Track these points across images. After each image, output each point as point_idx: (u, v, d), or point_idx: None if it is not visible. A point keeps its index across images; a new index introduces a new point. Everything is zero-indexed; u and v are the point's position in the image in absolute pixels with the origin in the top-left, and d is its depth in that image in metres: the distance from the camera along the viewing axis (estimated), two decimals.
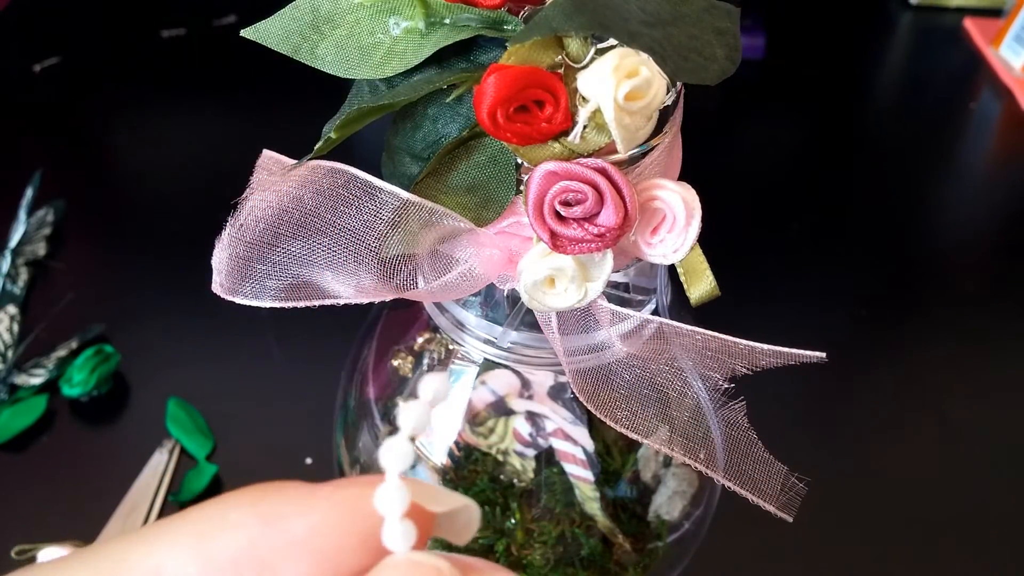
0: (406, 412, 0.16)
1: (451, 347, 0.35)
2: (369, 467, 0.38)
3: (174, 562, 0.16)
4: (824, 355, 0.25)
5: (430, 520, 0.17)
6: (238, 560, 0.16)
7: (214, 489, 0.47)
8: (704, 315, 0.30)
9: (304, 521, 0.16)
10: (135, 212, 0.62)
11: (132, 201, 0.63)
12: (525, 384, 0.34)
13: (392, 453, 0.16)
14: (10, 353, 0.51)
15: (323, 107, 0.27)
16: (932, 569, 0.45)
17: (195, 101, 0.70)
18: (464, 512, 0.18)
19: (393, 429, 0.37)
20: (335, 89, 0.30)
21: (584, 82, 0.23)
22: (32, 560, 0.42)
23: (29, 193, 0.59)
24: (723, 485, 0.29)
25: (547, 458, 0.36)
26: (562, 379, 0.33)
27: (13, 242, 0.57)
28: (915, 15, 0.86)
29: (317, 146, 0.25)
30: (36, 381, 0.50)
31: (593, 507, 0.36)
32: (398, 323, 0.38)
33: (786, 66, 0.73)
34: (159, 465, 0.47)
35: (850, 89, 0.73)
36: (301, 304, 0.27)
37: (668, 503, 0.37)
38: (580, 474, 0.35)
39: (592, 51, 0.24)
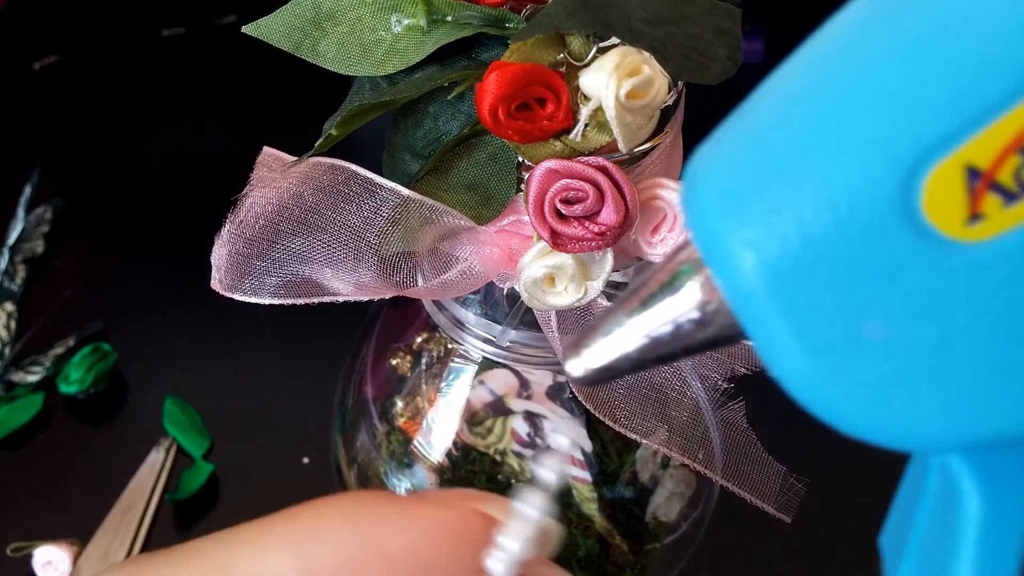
0: (546, 468, 0.17)
1: (450, 346, 0.35)
2: (367, 466, 0.38)
3: (275, 569, 0.16)
4: None
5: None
6: (336, 573, 0.16)
7: (211, 488, 0.47)
8: None
9: (401, 538, 0.17)
10: (133, 210, 0.62)
11: (130, 199, 0.63)
12: (524, 384, 0.34)
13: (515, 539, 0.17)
14: (7, 350, 0.51)
15: (323, 106, 0.27)
16: None
17: (195, 100, 0.70)
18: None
19: (392, 428, 0.37)
20: (335, 88, 0.30)
21: (586, 80, 0.23)
22: (28, 557, 0.42)
23: (28, 190, 0.59)
24: (721, 485, 0.29)
25: None
26: (561, 379, 0.33)
27: (11, 239, 0.57)
28: None
29: (318, 143, 0.25)
30: (33, 378, 0.50)
31: (591, 508, 0.36)
32: (397, 322, 0.38)
33: None
34: (156, 463, 0.47)
35: None
36: (300, 301, 0.27)
37: (666, 504, 0.37)
38: (578, 475, 0.35)
39: (594, 49, 0.24)
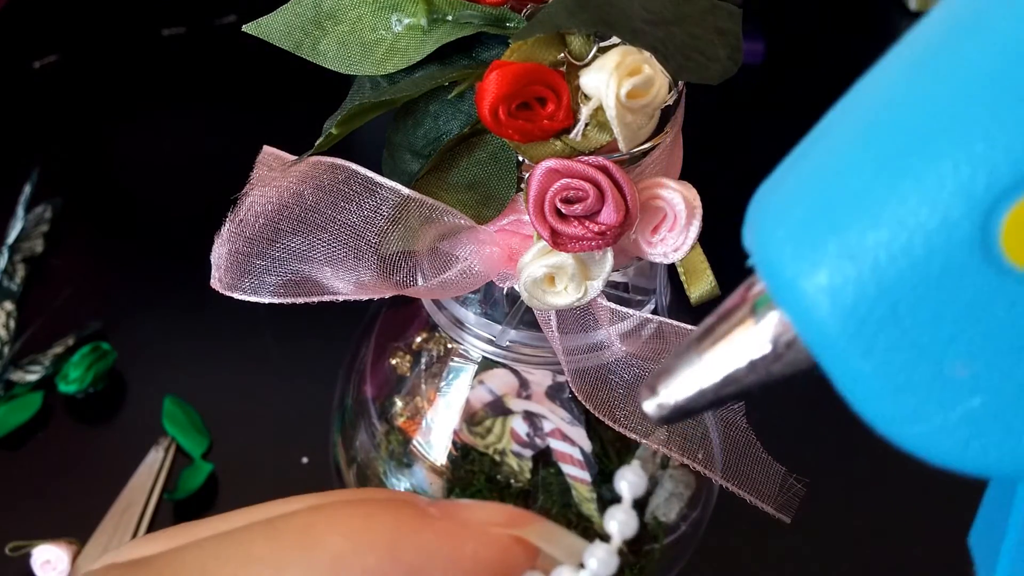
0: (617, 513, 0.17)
1: (449, 346, 0.35)
2: (366, 466, 0.38)
3: None
4: None
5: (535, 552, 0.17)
6: None
7: (210, 487, 0.47)
8: (705, 314, 0.30)
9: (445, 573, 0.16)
10: (133, 210, 0.62)
11: (130, 199, 0.63)
12: (523, 384, 0.34)
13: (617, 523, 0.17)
14: (6, 349, 0.51)
15: (323, 106, 0.27)
16: (934, 569, 0.45)
17: (195, 100, 0.70)
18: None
19: (391, 428, 0.37)
20: (336, 88, 0.30)
21: (586, 80, 0.23)
22: (26, 556, 0.42)
23: (27, 189, 0.59)
24: (721, 486, 0.29)
25: (544, 459, 0.36)
26: (560, 379, 0.33)
27: (10, 238, 0.57)
28: (915, 22, 0.86)
29: (318, 142, 0.25)
30: (32, 378, 0.50)
31: (590, 508, 0.36)
32: (396, 322, 0.38)
33: (785, 72, 0.73)
34: (155, 463, 0.47)
35: None
36: (300, 300, 0.27)
37: (665, 505, 0.37)
38: (577, 475, 0.35)
39: (594, 49, 0.24)
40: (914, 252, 0.13)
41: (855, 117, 0.14)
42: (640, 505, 0.37)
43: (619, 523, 0.17)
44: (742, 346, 0.15)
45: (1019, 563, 0.16)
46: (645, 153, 0.25)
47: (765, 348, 0.15)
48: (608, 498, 0.36)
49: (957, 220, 0.13)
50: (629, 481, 0.17)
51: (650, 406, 0.16)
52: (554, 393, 0.34)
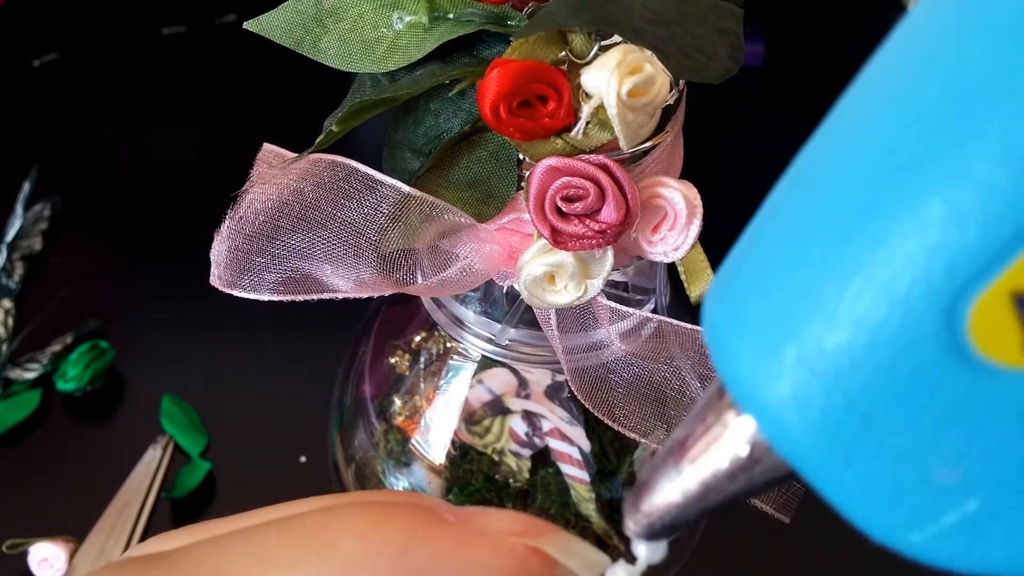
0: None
1: (449, 344, 0.35)
2: (364, 465, 0.38)
3: None
4: None
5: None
6: None
7: (208, 486, 0.46)
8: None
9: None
10: (132, 208, 0.62)
11: (129, 197, 0.63)
12: (522, 383, 0.34)
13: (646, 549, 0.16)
14: (4, 347, 0.51)
15: (324, 105, 0.27)
16: (934, 570, 0.45)
17: (195, 99, 0.70)
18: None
19: (390, 427, 0.37)
20: (336, 86, 0.30)
21: (587, 78, 0.23)
22: (24, 554, 0.42)
23: (26, 187, 0.59)
24: None
25: (543, 458, 0.35)
26: (560, 378, 0.33)
27: (9, 236, 0.57)
28: None
29: (319, 139, 0.25)
30: (30, 376, 0.50)
31: (588, 508, 0.36)
32: (395, 320, 0.38)
33: (785, 73, 0.73)
34: (152, 461, 0.47)
35: None
36: (300, 298, 0.27)
37: None
38: (576, 475, 0.35)
39: (595, 47, 0.24)
40: (878, 355, 0.12)
41: (800, 194, 0.13)
42: None
43: (648, 548, 0.16)
44: (718, 454, 0.14)
45: None
46: (646, 152, 0.25)
47: (742, 454, 0.14)
48: (607, 498, 0.36)
49: (919, 316, 0.11)
50: (648, 546, 0.16)
51: (635, 524, 0.15)
52: (553, 392, 0.34)
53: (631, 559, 0.17)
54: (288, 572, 0.15)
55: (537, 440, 0.35)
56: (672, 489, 0.15)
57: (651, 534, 0.15)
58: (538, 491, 0.36)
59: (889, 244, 0.11)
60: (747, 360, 0.13)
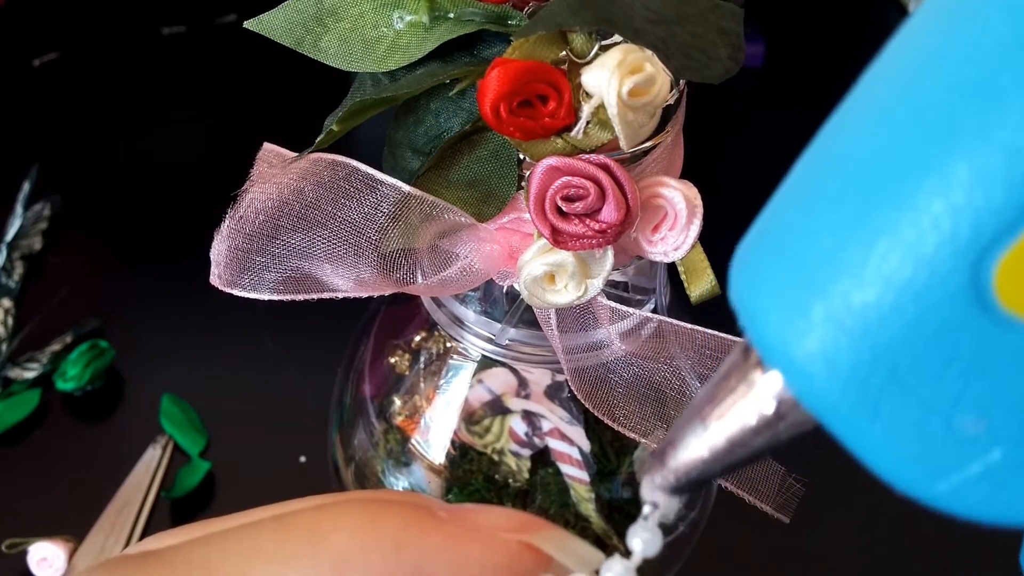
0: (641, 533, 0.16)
1: (448, 344, 0.35)
2: (364, 465, 0.38)
3: None
4: None
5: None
6: None
7: (207, 486, 0.46)
8: (703, 315, 0.30)
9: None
10: (132, 208, 0.62)
11: (129, 197, 0.63)
12: (522, 383, 0.34)
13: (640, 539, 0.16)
14: (4, 347, 0.51)
15: (324, 105, 0.27)
16: (934, 570, 0.45)
17: (195, 98, 0.70)
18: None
19: (390, 427, 0.37)
20: (336, 87, 0.30)
21: (588, 78, 0.23)
22: (23, 554, 0.42)
23: (26, 187, 0.59)
24: (719, 486, 0.29)
25: (543, 458, 0.35)
26: (560, 378, 0.33)
27: (9, 236, 0.57)
28: None
29: (319, 139, 0.25)
30: (30, 375, 0.50)
31: (588, 508, 0.36)
32: (395, 320, 0.38)
33: (785, 73, 0.73)
34: (152, 461, 0.47)
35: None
36: (300, 297, 0.27)
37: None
38: (575, 475, 0.35)
39: (596, 47, 0.24)
40: (905, 311, 0.12)
41: (826, 162, 0.13)
42: (638, 505, 0.37)
43: (644, 542, 0.16)
44: (744, 411, 0.14)
45: None
46: (646, 152, 0.25)
47: (768, 411, 0.14)
48: (606, 498, 0.36)
49: (945, 274, 0.12)
50: (643, 539, 0.16)
51: (661, 479, 0.15)
52: (553, 392, 0.34)
53: (628, 555, 0.17)
54: (280, 568, 0.15)
55: (537, 440, 0.35)
56: (699, 444, 0.15)
57: (675, 489, 0.16)
58: (538, 491, 0.36)
59: (915, 205, 0.12)
60: (775, 318, 0.13)
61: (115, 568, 0.16)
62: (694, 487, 0.16)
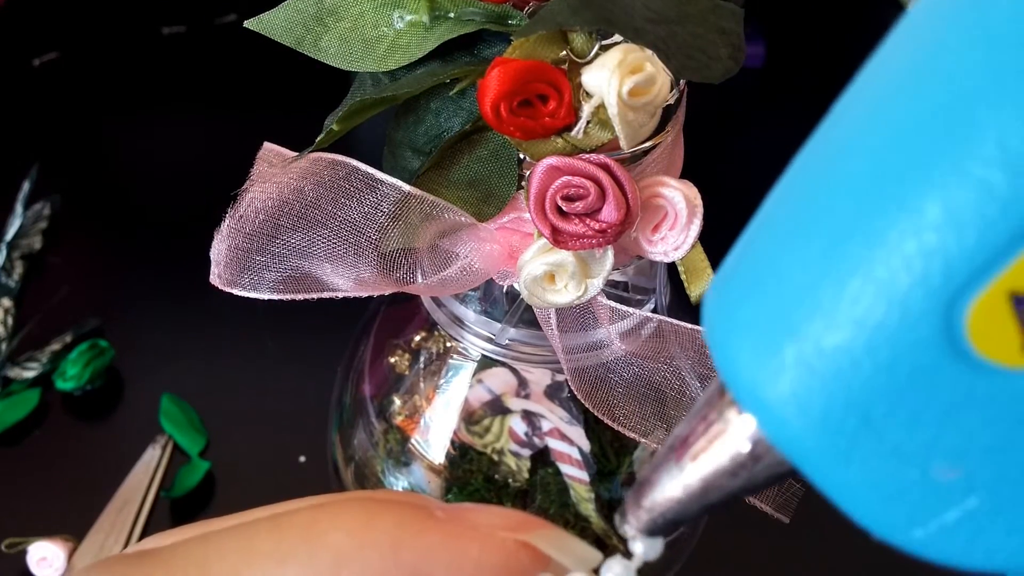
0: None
1: (448, 344, 0.35)
2: (364, 465, 0.38)
3: None
4: None
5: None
6: None
7: (207, 485, 0.46)
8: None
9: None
10: (132, 207, 0.62)
11: (129, 196, 0.63)
12: (522, 383, 0.34)
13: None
14: (4, 346, 0.51)
15: (324, 104, 0.27)
16: (934, 569, 0.45)
17: (195, 98, 0.70)
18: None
19: (389, 427, 0.37)
20: (336, 86, 0.30)
21: (588, 77, 0.23)
22: (23, 553, 0.42)
23: (26, 186, 0.59)
24: None
25: (542, 458, 0.35)
26: (559, 378, 0.33)
27: (9, 235, 0.57)
28: None
29: (319, 138, 0.25)
30: (29, 374, 0.50)
31: (588, 508, 0.36)
32: (395, 319, 0.38)
33: (785, 74, 0.73)
34: (152, 461, 0.47)
35: None
36: (300, 297, 0.27)
37: None
38: (575, 475, 0.35)
39: (596, 47, 0.24)
40: (878, 355, 0.12)
41: (801, 192, 0.13)
42: None
43: (645, 544, 0.16)
44: (719, 452, 0.14)
45: None
46: (646, 151, 0.25)
47: (742, 452, 0.14)
48: (606, 498, 0.36)
49: (918, 317, 0.11)
50: (645, 544, 0.16)
51: (636, 520, 0.15)
52: (553, 392, 0.34)
53: (628, 555, 0.17)
54: (277, 567, 0.15)
55: (537, 440, 0.35)
56: (674, 485, 0.15)
57: (652, 530, 0.15)
58: (537, 491, 0.36)
59: (887, 245, 0.11)
60: (747, 359, 0.13)
61: (112, 567, 0.16)
62: (671, 528, 0.15)
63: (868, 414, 0.12)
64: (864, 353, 0.12)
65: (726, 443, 0.14)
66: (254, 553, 0.15)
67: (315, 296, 0.27)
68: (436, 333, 0.35)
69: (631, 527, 0.16)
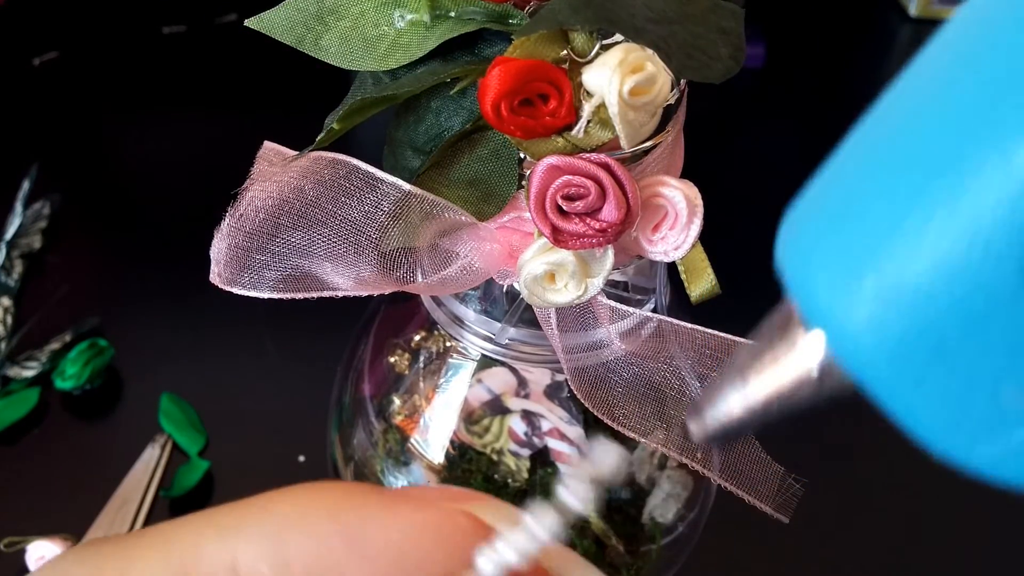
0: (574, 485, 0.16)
1: (448, 343, 0.35)
2: (363, 464, 0.38)
3: (248, 558, 0.16)
4: None
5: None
6: (311, 569, 0.16)
7: (206, 485, 0.46)
8: (703, 315, 0.30)
9: (383, 537, 0.16)
10: (132, 207, 0.62)
11: (129, 196, 0.63)
12: (522, 383, 0.34)
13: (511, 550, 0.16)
14: (3, 345, 0.51)
15: (324, 104, 0.27)
16: (935, 569, 0.45)
17: (194, 98, 0.70)
18: None
19: (389, 426, 0.37)
20: (336, 86, 0.30)
21: (589, 77, 0.23)
22: (21, 552, 0.42)
23: (26, 185, 0.59)
24: (719, 486, 0.29)
25: (542, 458, 0.35)
26: (559, 378, 0.33)
27: (9, 234, 0.57)
28: (914, 27, 0.86)
29: (319, 137, 0.25)
30: (29, 374, 0.50)
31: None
32: (395, 319, 0.38)
33: (785, 74, 0.74)
34: (151, 460, 0.47)
35: (850, 99, 0.73)
36: (299, 296, 0.27)
37: (662, 506, 0.37)
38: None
39: (597, 46, 0.24)
40: (958, 287, 0.12)
41: (892, 126, 0.13)
42: (637, 506, 0.37)
43: (575, 496, 0.16)
44: (786, 370, 0.15)
45: None
46: (647, 151, 0.25)
47: (810, 373, 0.14)
48: (606, 498, 0.36)
49: (1000, 256, 0.12)
50: (575, 493, 0.16)
51: (696, 428, 0.16)
52: (553, 392, 0.34)
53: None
54: (232, 536, 0.16)
55: (536, 440, 0.35)
56: (736, 399, 0.15)
57: (710, 439, 0.16)
58: (537, 491, 0.36)
59: (978, 183, 0.12)
60: (826, 287, 0.13)
61: (79, 552, 0.16)
62: (728, 439, 0.16)
63: (943, 342, 0.12)
64: (943, 287, 0.12)
65: (792, 364, 0.14)
66: (212, 524, 0.16)
67: (315, 295, 0.26)
68: (436, 332, 0.35)
69: (693, 437, 0.16)
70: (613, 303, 0.28)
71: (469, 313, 0.31)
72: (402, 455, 0.36)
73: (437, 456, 0.35)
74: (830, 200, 0.14)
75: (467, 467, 0.36)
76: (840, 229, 0.13)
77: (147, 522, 0.45)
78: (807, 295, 0.14)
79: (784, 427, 0.16)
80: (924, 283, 0.12)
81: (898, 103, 0.14)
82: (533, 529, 0.16)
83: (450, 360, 0.35)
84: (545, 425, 0.35)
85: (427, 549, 0.16)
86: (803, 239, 0.14)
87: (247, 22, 0.26)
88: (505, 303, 0.31)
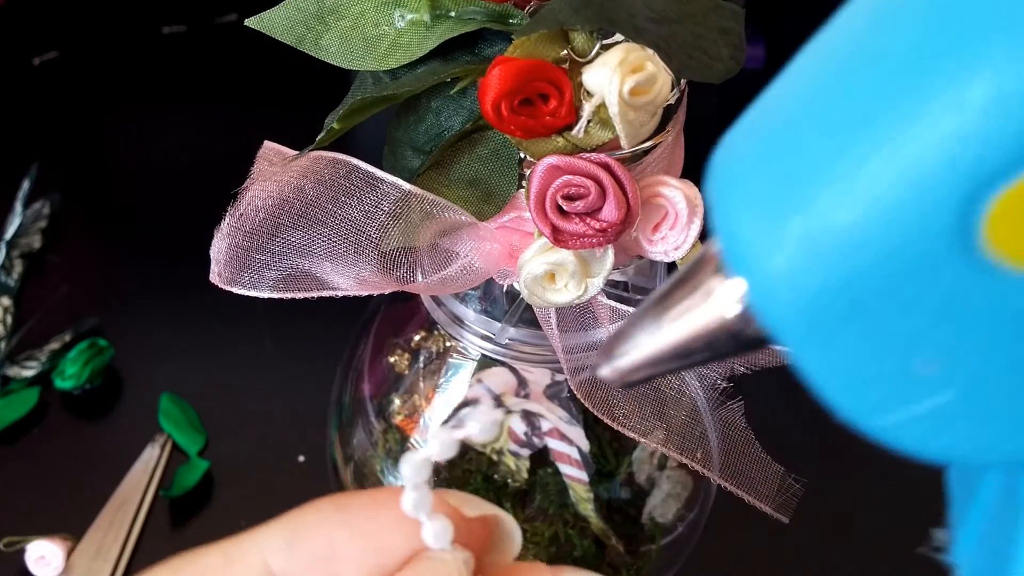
0: (436, 436, 0.18)
1: (448, 343, 0.35)
2: (363, 464, 0.38)
3: (274, 557, 0.18)
4: None
5: (484, 539, 0.20)
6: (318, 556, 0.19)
7: (206, 485, 0.46)
8: None
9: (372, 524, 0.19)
10: (132, 206, 0.62)
11: (129, 195, 0.63)
12: (521, 383, 0.34)
13: (408, 465, 0.18)
14: (3, 345, 0.51)
15: (324, 104, 0.27)
16: (934, 568, 0.45)
17: (194, 97, 0.70)
18: (502, 525, 0.20)
19: (389, 426, 0.37)
20: (336, 85, 0.30)
21: (589, 76, 0.23)
22: (21, 552, 0.42)
23: (26, 185, 0.59)
24: (719, 487, 0.29)
25: (542, 458, 0.35)
26: (559, 378, 0.33)
27: (8, 234, 0.57)
28: None
29: (319, 137, 0.25)
30: (29, 373, 0.50)
31: (587, 508, 0.36)
32: (395, 319, 0.38)
33: None
34: (150, 460, 0.47)
35: None
36: (300, 295, 0.27)
37: (662, 505, 0.37)
38: (574, 475, 0.35)
39: (597, 46, 0.24)
40: (886, 240, 0.11)
41: (834, 55, 0.12)
42: (637, 506, 0.37)
43: (441, 445, 0.18)
44: (700, 316, 0.14)
45: (984, 544, 0.15)
46: (647, 151, 0.25)
47: (724, 318, 0.14)
48: (605, 498, 0.36)
49: (936, 205, 0.11)
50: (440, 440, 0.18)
51: (606, 371, 0.15)
52: (552, 392, 0.34)
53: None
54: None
55: (536, 440, 0.35)
56: (649, 342, 0.15)
57: (620, 382, 0.15)
58: (536, 491, 0.36)
59: (922, 123, 0.11)
60: (750, 226, 0.12)
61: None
62: (638, 382, 0.15)
63: (860, 300, 0.12)
64: (872, 234, 0.11)
65: (707, 308, 0.14)
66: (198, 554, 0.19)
67: (315, 295, 0.26)
68: (436, 332, 0.35)
69: (603, 377, 0.16)
70: (613, 303, 0.28)
71: (469, 313, 0.31)
72: (402, 455, 0.36)
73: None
74: (764, 129, 0.13)
75: (467, 467, 0.36)
76: (772, 160, 0.12)
77: (146, 522, 0.45)
78: (730, 233, 0.13)
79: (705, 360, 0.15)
80: (853, 230, 0.11)
81: (850, 24, 0.13)
82: (405, 474, 0.18)
83: (450, 360, 0.35)
84: (545, 425, 0.35)
85: (397, 527, 0.19)
86: (732, 172, 0.13)
87: (247, 22, 0.26)
88: (505, 303, 0.31)
